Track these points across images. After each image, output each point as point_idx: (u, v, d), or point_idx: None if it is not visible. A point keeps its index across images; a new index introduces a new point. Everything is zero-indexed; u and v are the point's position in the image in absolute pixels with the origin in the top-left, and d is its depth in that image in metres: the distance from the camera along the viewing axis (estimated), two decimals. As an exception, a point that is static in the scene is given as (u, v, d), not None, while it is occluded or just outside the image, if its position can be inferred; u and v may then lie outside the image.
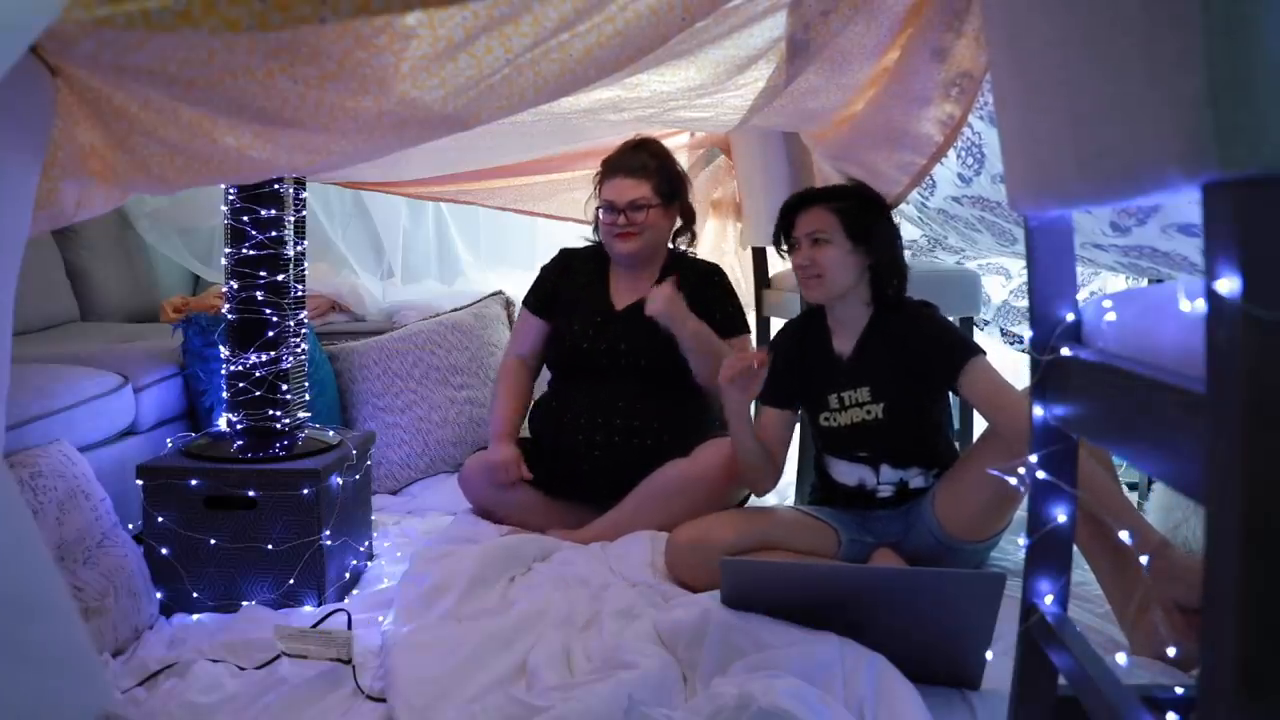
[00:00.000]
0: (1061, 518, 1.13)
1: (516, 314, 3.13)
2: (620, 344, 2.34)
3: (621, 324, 2.37)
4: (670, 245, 2.49)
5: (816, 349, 2.07)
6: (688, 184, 2.50)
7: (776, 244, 2.11)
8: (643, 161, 2.41)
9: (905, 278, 2.04)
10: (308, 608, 1.91)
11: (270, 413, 2.02)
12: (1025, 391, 1.82)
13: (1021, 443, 1.76)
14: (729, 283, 2.47)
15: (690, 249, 2.54)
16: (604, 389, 2.34)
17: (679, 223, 2.48)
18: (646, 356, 2.33)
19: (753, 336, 2.68)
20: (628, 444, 2.28)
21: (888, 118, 2.07)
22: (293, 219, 2.04)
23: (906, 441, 2.01)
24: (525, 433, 2.48)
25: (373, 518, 2.29)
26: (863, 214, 2.02)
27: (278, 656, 1.63)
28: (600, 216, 2.41)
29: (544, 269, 2.55)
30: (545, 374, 2.56)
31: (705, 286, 2.40)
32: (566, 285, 2.48)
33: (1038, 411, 1.12)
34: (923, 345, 1.96)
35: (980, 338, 2.86)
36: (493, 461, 2.30)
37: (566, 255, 2.55)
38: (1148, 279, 2.45)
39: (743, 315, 2.46)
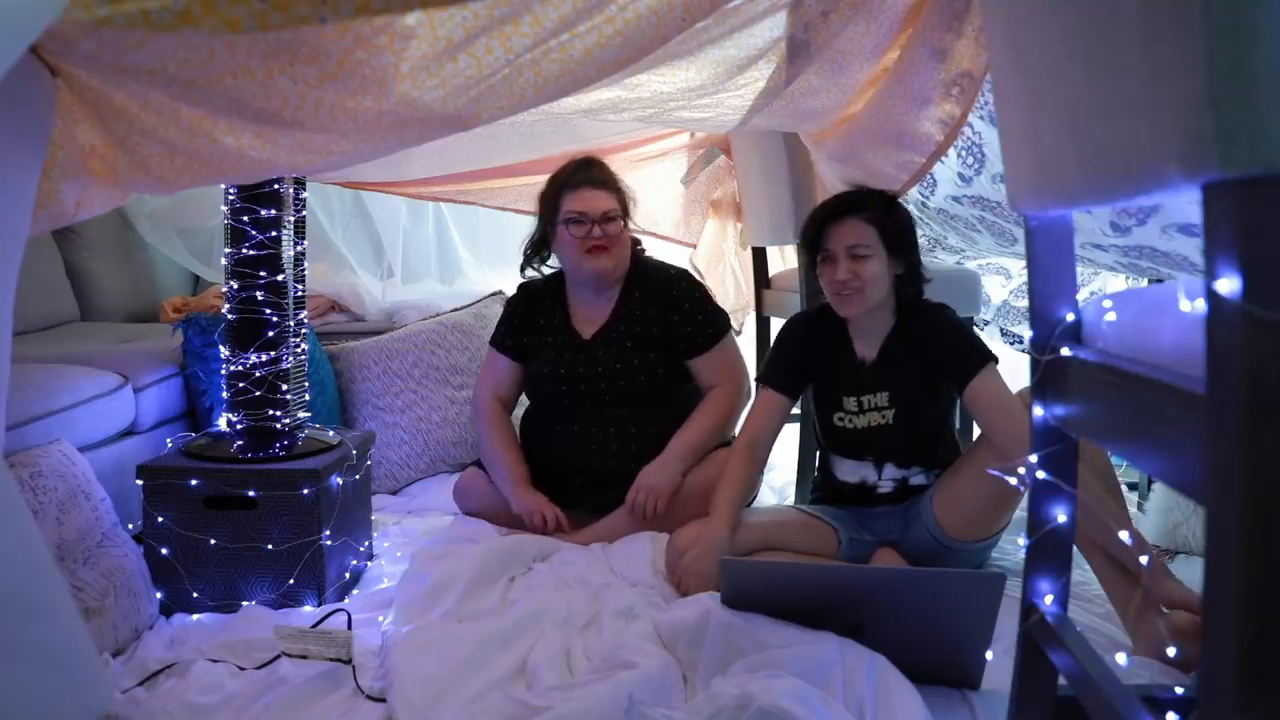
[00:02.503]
0: (1061, 518, 1.13)
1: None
2: (594, 376, 2.29)
3: (589, 354, 2.31)
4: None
5: (836, 350, 2.04)
6: (633, 206, 2.40)
7: (811, 254, 2.00)
8: (604, 176, 2.34)
9: (924, 281, 2.03)
10: (308, 608, 1.91)
11: (270, 413, 2.02)
12: (1021, 398, 1.84)
13: (1019, 453, 1.76)
14: (695, 286, 2.37)
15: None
16: (587, 420, 2.30)
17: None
18: (621, 386, 2.28)
19: (752, 327, 2.64)
20: (624, 467, 2.25)
21: (887, 117, 2.07)
22: (293, 219, 2.04)
23: (913, 444, 2.01)
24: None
25: (373, 518, 2.28)
26: (896, 222, 1.98)
27: (278, 656, 1.63)
28: (568, 231, 2.28)
29: (508, 306, 2.47)
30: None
31: (668, 303, 2.31)
32: (528, 324, 2.40)
33: (1038, 411, 1.12)
34: (940, 348, 1.95)
35: (980, 338, 2.86)
36: (525, 509, 2.22)
37: (527, 291, 2.45)
38: (1148, 279, 2.45)
39: (716, 317, 2.35)
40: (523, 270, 2.46)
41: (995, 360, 1.93)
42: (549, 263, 2.44)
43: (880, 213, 1.95)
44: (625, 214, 2.34)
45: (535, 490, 2.27)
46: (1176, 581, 1.60)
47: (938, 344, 1.96)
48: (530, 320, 2.40)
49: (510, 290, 3.18)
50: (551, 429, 2.34)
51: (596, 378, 2.28)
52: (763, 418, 2.06)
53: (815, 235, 1.98)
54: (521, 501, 2.24)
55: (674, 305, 2.32)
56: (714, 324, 2.34)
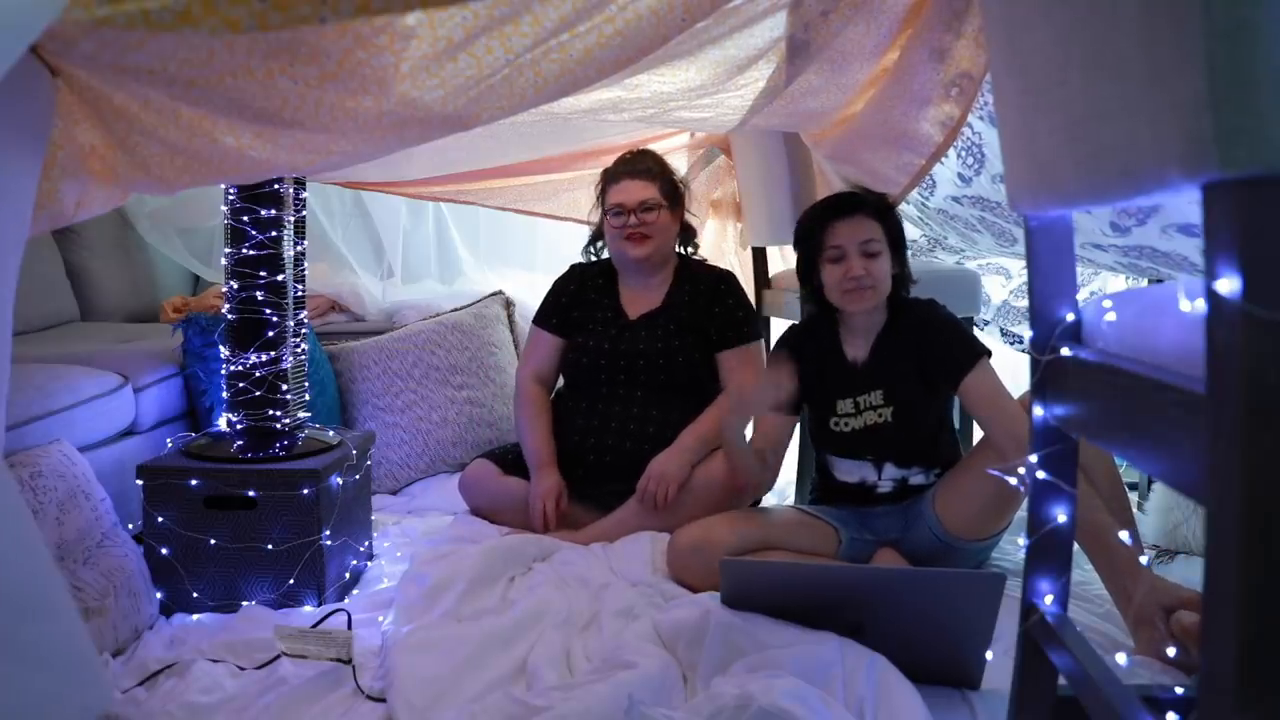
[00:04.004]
0: (1061, 518, 1.13)
1: (515, 314, 3.14)
2: (635, 354, 2.35)
3: (634, 333, 2.38)
4: (679, 251, 2.50)
5: (827, 355, 2.05)
6: (686, 195, 2.52)
7: (806, 261, 2.01)
8: (647, 165, 2.44)
9: (911, 281, 2.04)
10: (308, 608, 1.91)
11: (270, 413, 2.02)
12: (1021, 402, 1.84)
13: (1014, 452, 1.78)
14: (739, 288, 2.46)
15: (693, 252, 2.55)
16: (616, 397, 2.35)
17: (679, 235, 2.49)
18: (659, 365, 2.34)
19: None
20: (639, 449, 2.27)
21: (886, 118, 2.07)
22: (293, 219, 2.04)
23: (913, 442, 2.01)
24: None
25: (373, 518, 2.28)
26: (895, 221, 1.99)
27: (278, 656, 1.63)
28: (609, 221, 2.41)
29: (555, 285, 2.54)
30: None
31: (713, 296, 2.41)
32: (578, 300, 2.48)
33: (1038, 411, 1.12)
34: (934, 344, 1.96)
35: (980, 338, 2.85)
36: (537, 492, 2.27)
37: (577, 271, 2.54)
38: (1148, 279, 2.45)
39: (753, 320, 2.45)
40: (585, 251, 2.56)
41: (988, 354, 1.94)
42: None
43: (883, 211, 1.97)
44: (672, 201, 2.43)
45: (558, 477, 2.30)
46: (1175, 584, 1.61)
47: (931, 340, 1.96)
48: (580, 296, 2.48)
49: (510, 290, 3.22)
50: (578, 406, 2.38)
51: (636, 355, 2.36)
52: (768, 436, 2.07)
53: (819, 232, 1.97)
54: (539, 482, 2.28)
55: (719, 298, 2.41)
56: (749, 324, 2.43)
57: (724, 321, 2.38)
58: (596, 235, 2.53)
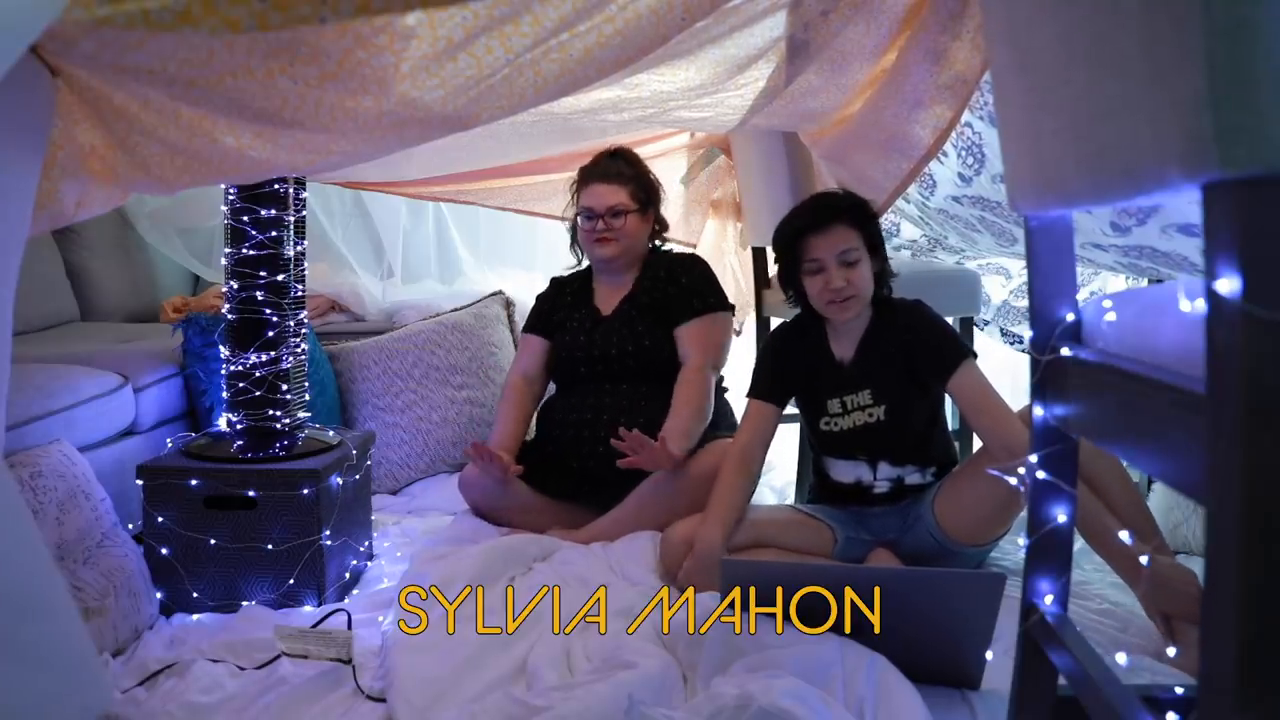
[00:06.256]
0: (1061, 518, 1.13)
1: (515, 314, 3.15)
2: (610, 347, 2.38)
3: (608, 327, 2.42)
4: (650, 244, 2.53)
5: (816, 356, 2.07)
6: (662, 193, 2.54)
7: (787, 271, 2.01)
8: (619, 169, 2.46)
9: (892, 276, 2.05)
10: (308, 608, 1.91)
11: (270, 413, 2.02)
12: (1021, 416, 1.84)
13: (1003, 452, 1.79)
14: (701, 266, 2.49)
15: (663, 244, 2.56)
16: (599, 391, 2.38)
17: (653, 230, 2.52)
18: (636, 357, 2.36)
19: (752, 327, 2.66)
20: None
21: (880, 119, 2.07)
22: (293, 219, 2.04)
23: (906, 440, 2.02)
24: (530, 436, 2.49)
25: (373, 518, 2.28)
26: (873, 223, 2.00)
27: (278, 656, 1.63)
28: (580, 223, 2.46)
29: (537, 297, 2.61)
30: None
31: (671, 277, 2.42)
32: (556, 305, 2.54)
33: (1038, 412, 1.12)
34: (919, 343, 1.97)
35: (980, 338, 2.85)
36: (480, 449, 2.27)
37: (557, 281, 2.61)
38: (1148, 279, 2.45)
39: (712, 294, 2.41)
40: (573, 249, 2.60)
41: (973, 355, 1.95)
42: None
43: (859, 215, 1.97)
44: (643, 204, 2.45)
45: (506, 452, 2.30)
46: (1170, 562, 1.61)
47: (915, 341, 1.97)
48: (558, 301, 2.54)
49: (510, 290, 3.23)
50: (566, 404, 2.41)
51: (609, 346, 2.39)
52: (752, 427, 2.07)
53: (795, 245, 1.97)
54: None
55: (675, 278, 2.43)
56: (706, 298, 2.40)
57: (682, 297, 2.39)
58: (575, 230, 2.56)
